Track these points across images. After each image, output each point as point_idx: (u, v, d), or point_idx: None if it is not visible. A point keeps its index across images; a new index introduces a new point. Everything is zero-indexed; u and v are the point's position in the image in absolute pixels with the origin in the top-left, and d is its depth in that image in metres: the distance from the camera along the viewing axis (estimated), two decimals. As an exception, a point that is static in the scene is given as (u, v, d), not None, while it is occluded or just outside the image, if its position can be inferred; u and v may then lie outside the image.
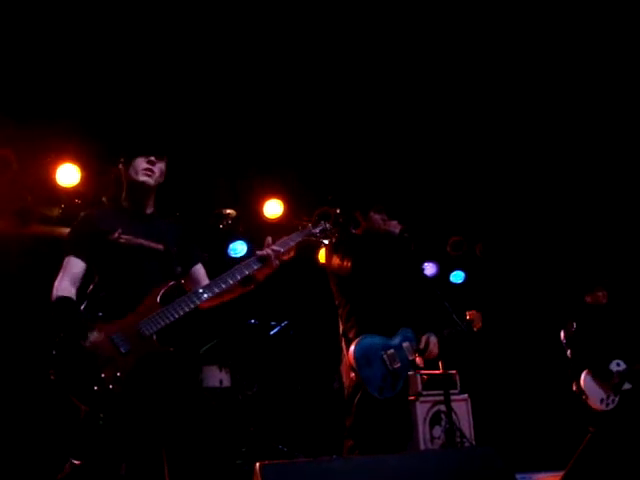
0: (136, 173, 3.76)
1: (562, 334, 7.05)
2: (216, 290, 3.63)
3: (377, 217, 5.17)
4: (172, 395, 3.52)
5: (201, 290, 3.62)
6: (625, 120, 7.54)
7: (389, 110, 7.27)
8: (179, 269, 3.76)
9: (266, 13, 6.11)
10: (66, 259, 3.66)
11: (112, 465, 3.42)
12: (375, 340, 4.86)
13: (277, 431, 7.55)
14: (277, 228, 7.74)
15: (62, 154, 6.83)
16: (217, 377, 7.18)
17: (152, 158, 3.78)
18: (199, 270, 3.95)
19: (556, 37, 6.34)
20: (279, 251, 3.78)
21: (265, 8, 6.04)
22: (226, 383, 7.24)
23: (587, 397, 6.64)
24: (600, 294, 7.09)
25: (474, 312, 5.66)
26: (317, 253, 8.15)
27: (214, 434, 3.55)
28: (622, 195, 8.34)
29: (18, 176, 6.69)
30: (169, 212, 4.03)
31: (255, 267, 3.74)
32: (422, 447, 7.02)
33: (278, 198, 8.05)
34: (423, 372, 7.43)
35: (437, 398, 7.36)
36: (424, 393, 7.42)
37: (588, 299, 7.12)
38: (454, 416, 7.26)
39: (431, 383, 7.50)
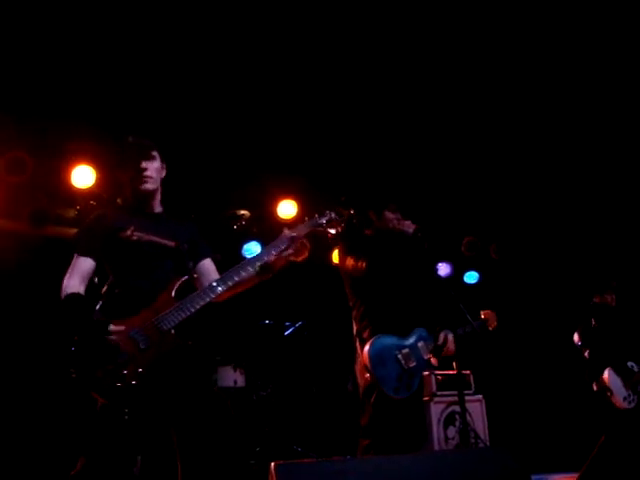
0: (134, 181, 3.77)
1: (576, 336, 7.01)
2: (229, 283, 3.64)
3: (391, 216, 5.15)
4: (190, 391, 3.54)
5: (215, 283, 3.63)
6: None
7: (403, 110, 7.26)
8: (191, 264, 3.79)
9: (279, 17, 6.12)
10: (75, 257, 3.68)
11: (124, 458, 3.44)
12: (389, 340, 4.86)
13: (291, 431, 7.56)
14: (291, 228, 7.76)
15: (77, 156, 6.87)
16: (231, 377, 7.20)
17: (142, 164, 3.76)
18: (207, 265, 3.95)
19: (564, 30, 6.30)
20: (293, 236, 3.83)
21: (277, 12, 6.05)
22: (240, 383, 7.27)
23: (612, 394, 6.54)
24: (609, 297, 7.08)
25: (489, 312, 5.64)
26: (331, 253, 8.16)
27: (229, 433, 3.52)
28: (634, 195, 8.31)
29: (34, 178, 6.72)
30: (182, 212, 4.04)
31: (274, 253, 3.77)
32: (436, 448, 6.99)
33: (292, 199, 8.07)
34: (437, 372, 7.42)
35: (451, 399, 7.33)
36: (438, 394, 7.41)
37: (597, 300, 7.09)
38: (468, 417, 7.26)
39: (445, 384, 7.47)
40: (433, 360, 5.09)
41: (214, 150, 7.23)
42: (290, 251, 3.82)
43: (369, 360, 4.76)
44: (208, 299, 3.59)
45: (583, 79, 6.92)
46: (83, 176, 6.87)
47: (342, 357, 5.71)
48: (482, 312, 5.63)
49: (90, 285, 3.70)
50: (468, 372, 7.71)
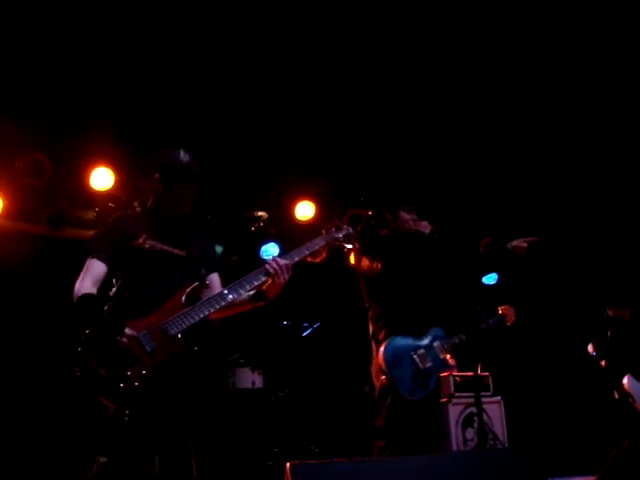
0: (174, 203, 3.82)
1: (590, 347, 6.97)
2: (241, 291, 3.65)
3: (407, 217, 5.15)
4: (196, 394, 3.56)
5: (226, 291, 3.64)
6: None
7: (422, 110, 7.24)
8: (203, 271, 3.78)
9: (295, 20, 6.13)
10: (88, 261, 3.71)
11: (141, 460, 3.46)
12: (405, 341, 4.86)
13: (309, 432, 7.57)
14: (308, 230, 7.77)
15: (96, 158, 6.90)
16: (249, 379, 7.23)
17: (190, 192, 3.84)
18: (214, 279, 3.94)
19: (574, 25, 6.27)
20: (289, 264, 3.75)
21: (293, 14, 6.06)
22: (258, 384, 7.29)
23: (634, 400, 6.47)
24: (623, 312, 7.03)
25: (507, 307, 5.61)
26: (348, 255, 8.15)
27: (246, 435, 3.55)
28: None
29: (53, 180, 6.77)
30: (199, 215, 4.05)
31: (262, 279, 3.73)
32: (454, 449, 6.98)
33: (309, 200, 8.06)
34: (455, 374, 7.41)
35: (469, 400, 7.31)
36: (456, 395, 7.39)
37: (610, 312, 7.05)
38: (487, 419, 7.23)
39: (464, 385, 7.47)
40: (451, 360, 5.08)
41: (232, 151, 7.25)
42: (284, 277, 3.75)
43: (384, 361, 4.76)
44: (218, 306, 3.60)
45: (598, 73, 6.86)
46: (102, 178, 6.90)
47: (359, 358, 5.70)
48: (500, 307, 5.61)
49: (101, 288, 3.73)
50: (487, 374, 7.69)
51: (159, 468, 4.52)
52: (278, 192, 8.01)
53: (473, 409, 7.29)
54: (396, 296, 4.97)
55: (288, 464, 3.26)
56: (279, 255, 4.05)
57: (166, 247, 3.75)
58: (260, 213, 8.00)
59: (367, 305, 5.14)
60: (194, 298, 3.62)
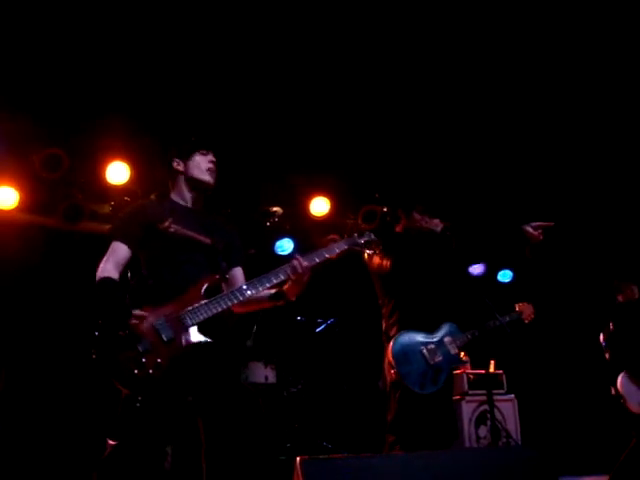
0: (200, 172, 3.90)
1: (602, 337, 6.98)
2: (259, 288, 3.67)
3: (418, 217, 5.19)
4: (210, 386, 3.57)
5: (245, 286, 3.67)
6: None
7: (439, 108, 7.22)
8: (224, 264, 3.79)
9: (309, 16, 6.12)
10: (112, 244, 3.75)
11: (150, 447, 3.47)
12: (415, 336, 4.88)
13: (322, 428, 7.58)
14: (323, 226, 7.78)
15: (112, 152, 6.92)
16: (262, 373, 7.25)
17: (212, 157, 3.92)
18: (238, 274, 3.99)
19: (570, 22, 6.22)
20: (309, 265, 3.77)
21: (305, 11, 6.06)
22: (271, 379, 7.30)
23: (625, 400, 6.52)
24: (629, 290, 6.98)
25: (524, 304, 5.60)
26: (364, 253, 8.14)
27: (259, 429, 3.54)
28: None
29: (69, 174, 6.81)
30: (217, 209, 4.09)
31: (282, 277, 3.75)
32: (467, 446, 6.98)
33: (325, 196, 8.04)
34: (469, 371, 7.41)
35: (483, 398, 7.30)
36: (470, 392, 7.38)
37: (620, 298, 7.02)
38: (500, 417, 7.23)
39: (477, 383, 7.46)
40: (464, 357, 5.08)
41: (248, 146, 7.26)
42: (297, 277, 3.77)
43: (393, 356, 4.80)
44: (236, 301, 3.62)
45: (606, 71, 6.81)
46: (118, 172, 6.91)
47: (373, 354, 5.71)
48: (517, 305, 5.60)
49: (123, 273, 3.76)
50: (501, 371, 7.68)
51: (172, 460, 4.54)
52: (293, 188, 8.00)
53: (487, 407, 7.27)
54: (408, 293, 5.01)
55: (298, 459, 3.28)
56: (296, 252, 4.06)
57: (190, 233, 3.78)
58: (275, 208, 8.00)
59: (380, 302, 5.17)
60: (214, 290, 3.65)
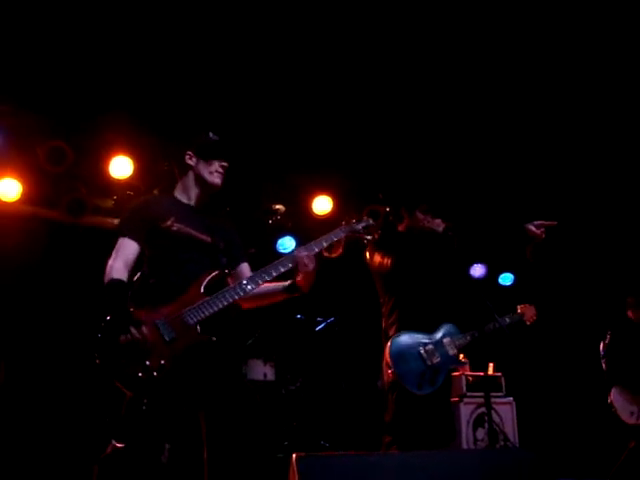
0: (210, 173, 3.89)
1: (601, 346, 7.06)
2: (259, 282, 3.68)
3: (421, 217, 5.18)
4: (214, 384, 3.57)
5: (245, 282, 3.67)
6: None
7: (442, 107, 7.21)
8: (224, 260, 3.80)
9: (312, 14, 6.12)
10: (120, 240, 3.74)
11: (153, 448, 3.47)
12: (412, 336, 4.87)
13: (319, 426, 7.58)
14: (326, 224, 7.76)
15: (116, 146, 6.93)
16: (261, 371, 7.25)
17: (225, 164, 3.93)
18: (245, 269, 4.00)
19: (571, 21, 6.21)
20: (310, 255, 3.78)
21: (308, 9, 6.06)
22: (270, 377, 7.31)
23: (617, 410, 6.66)
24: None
25: (526, 305, 5.60)
26: (365, 251, 8.14)
27: (257, 426, 3.55)
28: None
29: (73, 167, 6.81)
30: (219, 206, 4.09)
31: (289, 265, 3.76)
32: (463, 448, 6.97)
33: (327, 195, 8.05)
34: (468, 373, 7.40)
35: (481, 400, 7.30)
36: (468, 394, 7.38)
37: (630, 314, 7.06)
38: (498, 419, 7.22)
39: (475, 385, 7.45)
40: (463, 358, 5.07)
41: (251, 143, 7.25)
42: (311, 265, 3.78)
43: (390, 357, 4.79)
44: (237, 297, 3.62)
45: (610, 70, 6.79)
46: (121, 167, 6.92)
47: (372, 354, 5.72)
48: (519, 306, 5.60)
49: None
50: (499, 374, 7.67)
51: (169, 455, 4.54)
52: (296, 186, 8.02)
53: (484, 409, 7.28)
54: (409, 292, 4.99)
55: (294, 455, 3.27)
56: (298, 246, 4.07)
57: (193, 231, 3.78)
58: (277, 206, 8.01)
59: (381, 300, 5.16)
60: (214, 287, 3.63)
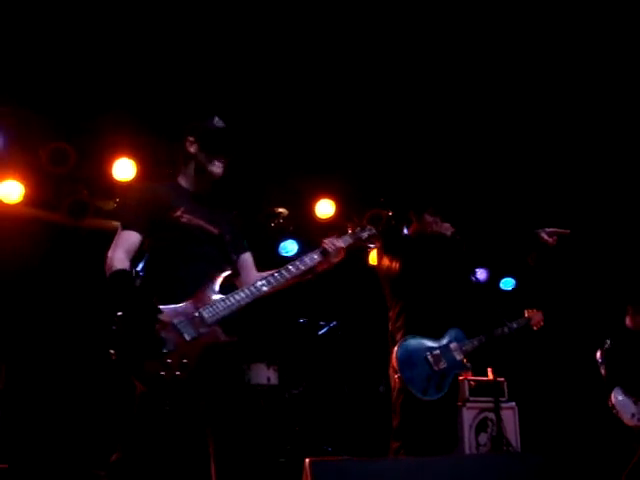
0: (210, 162, 3.71)
1: (598, 353, 7.14)
2: (274, 283, 3.62)
3: (430, 219, 5.16)
4: (234, 387, 3.51)
5: (260, 283, 3.58)
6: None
7: (447, 111, 7.21)
8: (234, 257, 3.75)
9: (316, 17, 6.11)
10: (120, 231, 3.55)
11: (167, 452, 3.40)
12: (420, 341, 4.86)
13: (322, 431, 7.56)
14: (328, 228, 7.74)
15: (119, 149, 6.90)
16: (264, 375, 7.21)
17: (228, 152, 3.79)
18: (248, 259, 3.91)
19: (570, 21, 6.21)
20: (341, 247, 3.85)
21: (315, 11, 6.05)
22: (273, 381, 7.28)
23: (618, 412, 6.71)
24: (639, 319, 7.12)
25: (534, 310, 5.62)
26: (368, 255, 8.13)
27: (261, 431, 3.51)
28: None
29: (75, 170, 6.78)
30: (223, 202, 4.01)
31: (317, 258, 3.79)
32: (467, 453, 6.95)
33: (330, 198, 8.04)
34: (470, 378, 7.39)
35: (484, 405, 7.31)
36: (471, 399, 7.36)
37: (628, 322, 7.15)
38: (501, 424, 7.20)
39: (478, 390, 7.44)
40: (466, 362, 5.05)
41: (255, 146, 7.23)
42: (332, 260, 3.85)
43: (397, 361, 4.78)
44: (253, 297, 3.54)
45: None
46: (124, 169, 6.89)
47: (375, 358, 5.71)
48: (526, 311, 5.60)
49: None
50: (502, 379, 7.66)
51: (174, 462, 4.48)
52: (299, 189, 8.00)
53: (487, 414, 7.28)
54: (416, 297, 4.97)
55: (307, 460, 3.23)
56: (300, 254, 4.05)
57: (202, 222, 3.65)
58: (280, 209, 7.99)
59: (388, 305, 5.14)
60: (228, 285, 3.57)
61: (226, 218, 3.86)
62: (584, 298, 9.02)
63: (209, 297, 3.46)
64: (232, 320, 3.51)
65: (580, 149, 7.63)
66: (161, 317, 3.30)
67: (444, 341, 4.93)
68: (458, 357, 4.93)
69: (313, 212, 8.05)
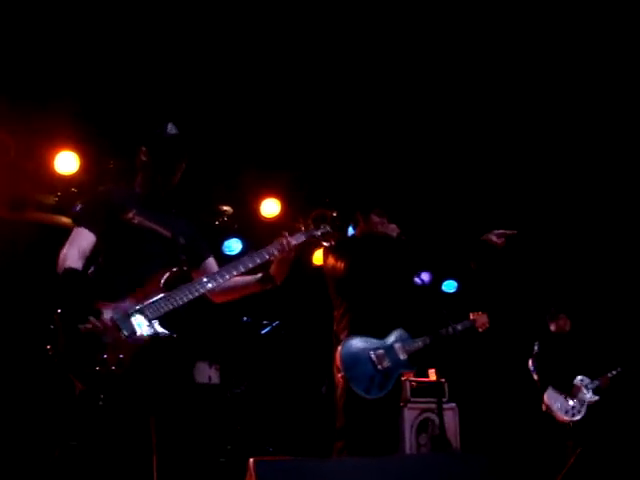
0: (161, 170, 3.77)
1: (530, 361, 7.45)
2: (220, 280, 3.64)
3: (377, 220, 5.18)
4: (168, 387, 3.50)
5: (205, 279, 3.62)
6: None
7: (391, 112, 7.24)
8: (183, 257, 3.73)
9: (269, 14, 6.08)
10: (76, 229, 3.62)
11: (107, 446, 3.36)
12: (363, 341, 4.86)
13: (263, 431, 7.53)
14: (273, 227, 7.72)
15: (61, 142, 6.78)
16: (206, 373, 7.17)
17: (181, 164, 3.82)
18: (212, 263, 3.96)
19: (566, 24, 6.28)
20: (293, 244, 3.84)
21: (268, 9, 6.01)
22: (215, 380, 7.25)
23: (552, 411, 6.99)
24: (562, 322, 7.33)
25: (479, 313, 5.69)
26: (312, 254, 8.12)
27: (201, 430, 3.49)
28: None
29: (16, 162, 6.64)
30: (176, 206, 4.00)
31: (267, 256, 3.79)
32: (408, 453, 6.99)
33: (275, 197, 8.03)
34: (412, 379, 7.43)
35: (425, 406, 7.38)
36: (412, 400, 7.41)
37: (552, 327, 7.39)
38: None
39: (419, 391, 7.50)
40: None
41: (199, 144, 7.15)
42: (284, 256, 3.85)
43: (340, 360, 4.78)
44: (196, 293, 3.56)
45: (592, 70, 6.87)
46: (66, 162, 6.79)
47: (318, 358, 5.70)
48: (471, 313, 5.66)
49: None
50: (443, 380, 7.71)
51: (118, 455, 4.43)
52: (244, 188, 7.95)
53: (428, 414, 7.35)
54: (361, 297, 4.98)
55: (252, 460, 3.20)
56: (244, 253, 4.05)
57: (154, 225, 3.70)
58: (225, 208, 7.95)
59: (333, 304, 5.13)
60: (173, 283, 3.55)
61: (181, 224, 3.89)
62: (519, 301, 9.17)
63: (152, 293, 3.47)
64: (175, 316, 3.50)
65: (520, 153, 7.75)
66: (102, 313, 3.31)
67: (388, 341, 4.95)
68: (402, 357, 4.95)
69: (258, 211, 8.02)
